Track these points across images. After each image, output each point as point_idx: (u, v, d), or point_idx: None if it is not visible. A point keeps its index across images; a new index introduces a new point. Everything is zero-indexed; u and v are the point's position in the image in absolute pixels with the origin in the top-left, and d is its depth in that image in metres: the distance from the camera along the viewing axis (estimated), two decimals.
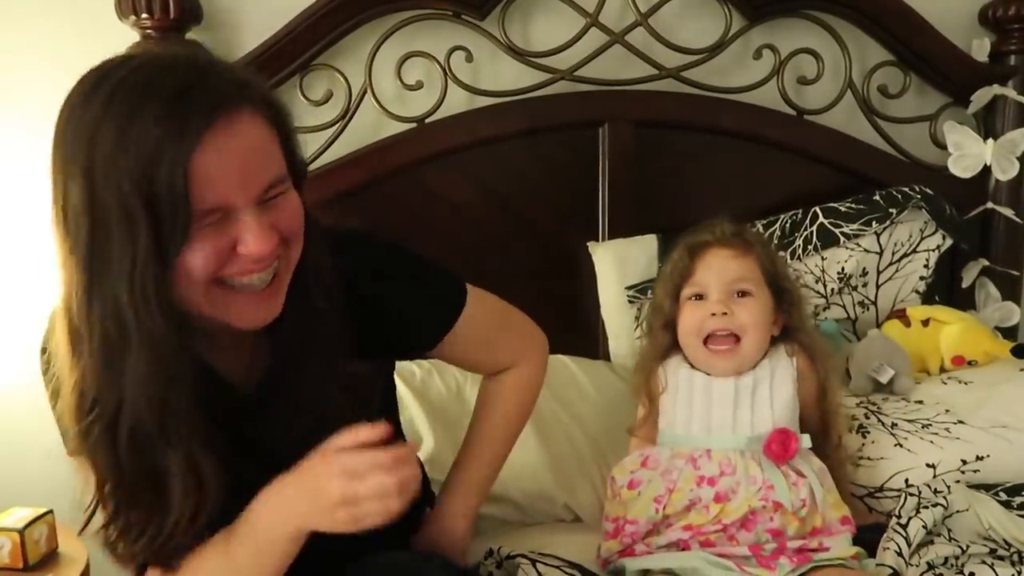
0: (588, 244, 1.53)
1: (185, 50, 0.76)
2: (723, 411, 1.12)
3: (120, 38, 1.40)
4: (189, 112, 0.66)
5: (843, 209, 1.50)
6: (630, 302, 1.47)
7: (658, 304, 1.20)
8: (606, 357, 1.54)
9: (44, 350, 0.83)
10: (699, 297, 1.16)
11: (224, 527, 0.79)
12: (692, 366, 1.17)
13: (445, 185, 1.51)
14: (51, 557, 1.22)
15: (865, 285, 1.51)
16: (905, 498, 1.13)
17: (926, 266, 1.53)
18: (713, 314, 1.13)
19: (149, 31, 1.39)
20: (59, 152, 0.69)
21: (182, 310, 0.72)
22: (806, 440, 1.11)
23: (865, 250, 1.49)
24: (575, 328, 1.55)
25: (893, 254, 1.51)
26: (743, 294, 1.14)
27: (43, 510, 1.23)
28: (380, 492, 0.72)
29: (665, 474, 1.10)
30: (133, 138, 0.65)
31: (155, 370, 0.70)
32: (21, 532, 1.17)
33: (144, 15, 1.37)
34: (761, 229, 1.49)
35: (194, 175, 0.66)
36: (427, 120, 1.50)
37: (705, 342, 1.15)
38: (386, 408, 0.98)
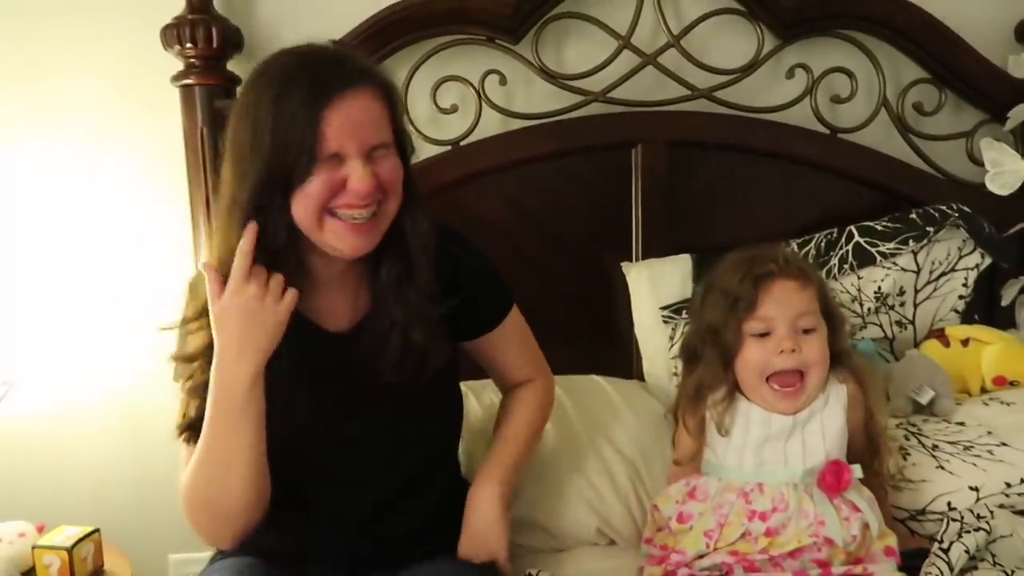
0: (622, 264, 1.54)
1: (330, 45, 0.98)
2: (776, 444, 1.10)
3: (164, 66, 1.45)
4: (322, 89, 0.90)
5: (879, 228, 1.49)
6: (664, 322, 1.47)
7: (713, 331, 1.14)
8: (640, 377, 1.54)
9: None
10: (764, 334, 1.12)
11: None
12: (747, 398, 1.14)
13: (480, 206, 1.52)
14: (97, 574, 1.25)
15: (902, 304, 1.50)
16: (947, 522, 1.11)
17: (965, 285, 1.51)
18: (782, 351, 1.09)
19: (192, 60, 1.43)
20: (237, 110, 0.95)
21: (299, 231, 0.94)
22: (857, 471, 1.09)
23: (902, 269, 1.48)
24: (609, 348, 1.56)
25: (931, 273, 1.50)
26: (808, 331, 1.11)
27: (90, 528, 1.25)
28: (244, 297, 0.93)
29: (716, 508, 1.09)
30: (284, 106, 0.89)
31: (270, 260, 0.93)
32: (69, 550, 1.20)
33: (188, 44, 1.41)
34: (796, 248, 1.49)
35: (322, 129, 0.90)
36: (462, 143, 1.52)
37: (768, 379, 1.11)
38: (451, 379, 1.14)
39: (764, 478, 1.09)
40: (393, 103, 0.97)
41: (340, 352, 1.01)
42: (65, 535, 1.23)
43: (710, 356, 1.15)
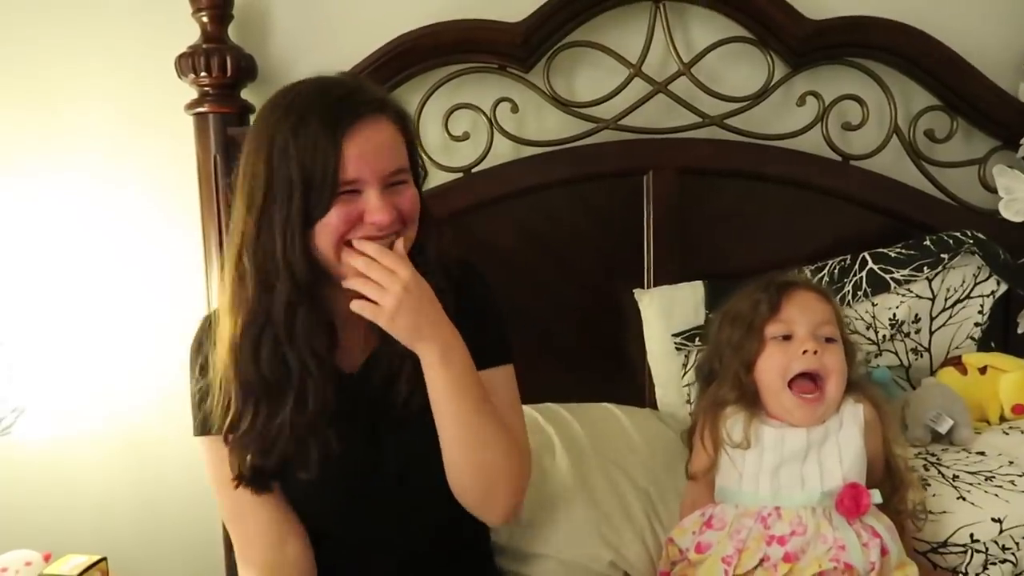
0: (634, 291, 1.53)
1: (345, 75, 1.01)
2: (792, 466, 1.09)
3: (179, 95, 1.46)
4: (341, 117, 0.90)
5: (893, 255, 1.48)
6: (677, 349, 1.46)
7: (732, 343, 1.16)
8: (653, 405, 1.53)
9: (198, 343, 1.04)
10: (785, 338, 1.13)
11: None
12: (765, 412, 1.14)
13: (491, 233, 1.52)
14: None
15: (918, 332, 1.48)
16: (971, 554, 1.09)
17: (981, 312, 1.50)
18: (804, 352, 1.10)
19: (206, 88, 1.44)
20: (250, 144, 0.93)
21: (320, 265, 0.93)
22: (876, 495, 1.08)
23: (917, 296, 1.47)
24: (621, 375, 1.55)
25: (946, 300, 1.48)
26: (828, 340, 1.12)
27: (97, 557, 1.24)
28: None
29: (733, 534, 1.08)
30: (301, 135, 0.89)
31: (293, 294, 0.92)
32: None
33: (202, 73, 1.42)
34: (809, 275, 1.48)
35: (343, 156, 0.89)
36: (473, 170, 1.53)
37: (789, 385, 1.11)
38: None
39: (781, 502, 1.08)
40: (408, 132, 0.98)
41: (356, 390, 0.99)
42: (72, 564, 1.22)
43: (728, 366, 1.15)
